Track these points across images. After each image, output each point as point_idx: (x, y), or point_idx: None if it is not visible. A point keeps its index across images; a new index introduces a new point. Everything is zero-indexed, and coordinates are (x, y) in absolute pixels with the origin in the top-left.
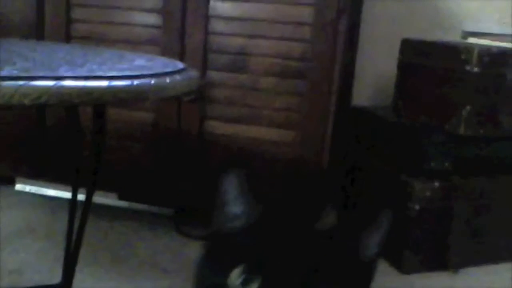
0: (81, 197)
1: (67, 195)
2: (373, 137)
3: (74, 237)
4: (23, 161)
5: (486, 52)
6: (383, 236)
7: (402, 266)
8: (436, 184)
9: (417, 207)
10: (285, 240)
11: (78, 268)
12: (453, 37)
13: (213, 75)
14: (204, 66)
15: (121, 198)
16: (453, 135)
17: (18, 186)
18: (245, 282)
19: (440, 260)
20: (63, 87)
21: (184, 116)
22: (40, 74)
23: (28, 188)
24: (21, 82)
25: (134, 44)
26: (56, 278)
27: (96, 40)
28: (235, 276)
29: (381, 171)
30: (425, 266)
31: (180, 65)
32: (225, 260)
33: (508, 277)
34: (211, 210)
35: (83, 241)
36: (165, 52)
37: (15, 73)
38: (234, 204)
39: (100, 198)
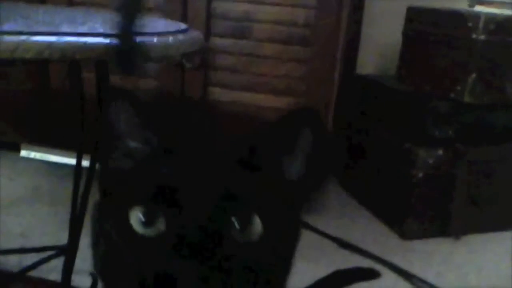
0: (85, 163)
1: (72, 161)
2: (378, 105)
3: (79, 202)
4: (27, 127)
5: (492, 19)
6: (307, 156)
7: (403, 232)
8: (440, 151)
9: (420, 174)
10: (193, 168)
11: (83, 232)
12: (460, 5)
13: (216, 41)
14: (207, 33)
15: None
16: (458, 102)
17: (23, 153)
18: (148, 222)
19: (442, 227)
20: (65, 42)
21: (187, 83)
22: (43, 30)
23: (33, 154)
24: (23, 37)
25: None
26: (62, 241)
27: (96, 6)
28: (134, 218)
29: (384, 138)
30: (426, 233)
31: (182, 26)
32: (121, 201)
33: (510, 245)
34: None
35: (88, 206)
36: (168, 18)
37: (17, 28)
38: (127, 137)
39: None
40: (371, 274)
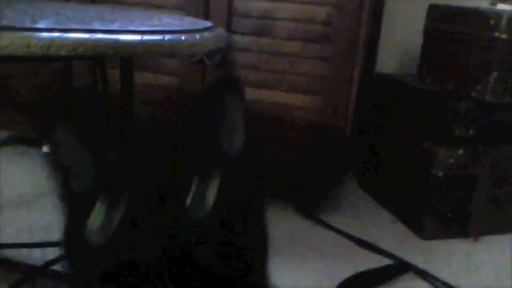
0: None
1: None
2: (397, 104)
3: None
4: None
5: None
6: (243, 127)
7: (422, 232)
8: (460, 151)
9: (440, 174)
10: (140, 161)
11: None
12: (481, 3)
13: (237, 39)
14: (228, 30)
15: None
16: (478, 102)
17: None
18: (109, 210)
19: (461, 227)
20: (98, 39)
21: (208, 81)
22: (76, 27)
23: None
24: (57, 34)
25: (158, 8)
26: None
27: (118, 4)
28: (96, 211)
29: (404, 137)
30: (445, 233)
31: (208, 24)
32: (83, 204)
33: None
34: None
35: None
36: (190, 15)
37: (51, 25)
38: (77, 163)
39: None
40: (400, 270)
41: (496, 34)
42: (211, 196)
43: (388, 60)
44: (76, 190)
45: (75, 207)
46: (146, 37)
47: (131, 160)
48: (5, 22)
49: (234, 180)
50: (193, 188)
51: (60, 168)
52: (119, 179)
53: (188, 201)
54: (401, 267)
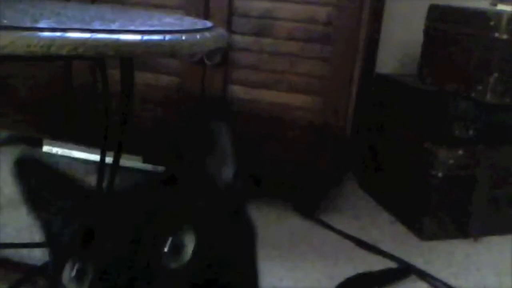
0: (108, 159)
1: (93, 157)
2: (397, 104)
3: None
4: (50, 123)
5: None
6: (232, 156)
7: (422, 233)
8: (460, 152)
9: (439, 174)
10: (111, 212)
11: None
12: (481, 4)
13: (237, 39)
14: (228, 30)
15: (145, 161)
16: (479, 102)
17: (45, 148)
18: (79, 275)
19: (461, 228)
20: (98, 39)
21: (208, 81)
22: (76, 27)
23: (55, 150)
24: (58, 33)
25: (158, 8)
26: None
27: (118, 4)
28: (66, 274)
29: (404, 138)
30: (445, 233)
31: (208, 24)
32: (54, 261)
33: None
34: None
35: None
36: (190, 15)
37: (51, 25)
38: (40, 207)
39: (124, 161)
40: (402, 273)
41: (496, 34)
42: (190, 243)
43: (388, 60)
44: (56, 235)
45: (56, 253)
46: (147, 37)
47: (108, 211)
48: (5, 22)
49: (222, 215)
50: (172, 237)
51: (38, 211)
52: (94, 233)
53: (165, 249)
54: (403, 271)
